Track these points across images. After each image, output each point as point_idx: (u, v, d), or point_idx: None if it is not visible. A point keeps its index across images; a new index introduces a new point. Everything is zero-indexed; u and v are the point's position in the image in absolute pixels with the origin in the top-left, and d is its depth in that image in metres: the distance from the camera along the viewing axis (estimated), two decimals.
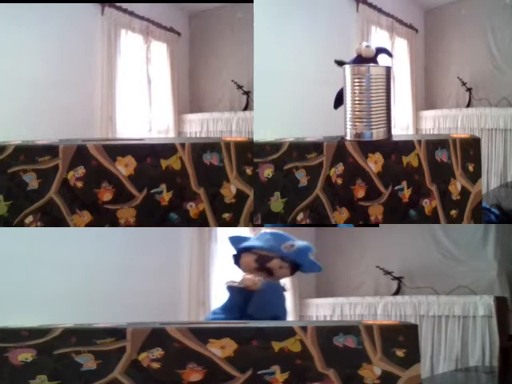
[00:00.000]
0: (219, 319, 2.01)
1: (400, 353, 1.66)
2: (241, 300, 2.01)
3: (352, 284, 4.79)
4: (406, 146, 2.02)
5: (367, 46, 2.07)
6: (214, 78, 5.56)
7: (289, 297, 4.55)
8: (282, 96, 4.00)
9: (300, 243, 2.11)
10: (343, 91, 2.02)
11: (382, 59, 2.09)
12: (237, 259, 2.13)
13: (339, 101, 2.07)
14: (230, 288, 2.05)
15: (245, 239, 2.15)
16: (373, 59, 2.06)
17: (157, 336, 1.61)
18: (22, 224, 1.86)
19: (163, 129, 5.38)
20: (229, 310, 2.03)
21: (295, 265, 2.09)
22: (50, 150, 1.86)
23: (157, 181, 1.89)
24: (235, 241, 2.15)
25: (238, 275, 2.10)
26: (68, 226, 1.87)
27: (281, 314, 2.04)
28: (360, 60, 2.06)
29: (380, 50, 2.07)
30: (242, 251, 2.11)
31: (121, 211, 1.88)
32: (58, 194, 1.86)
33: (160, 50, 5.35)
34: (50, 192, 1.86)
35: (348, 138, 2.01)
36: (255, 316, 1.96)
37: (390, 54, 2.11)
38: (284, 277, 2.10)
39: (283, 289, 2.09)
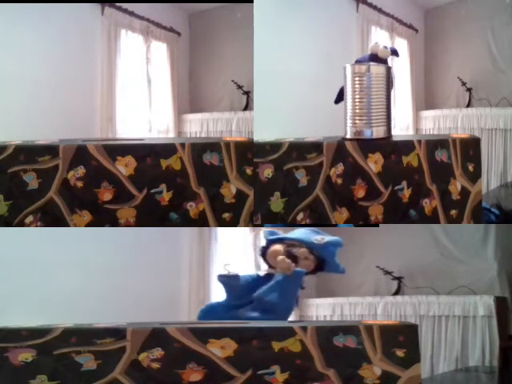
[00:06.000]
0: (222, 305, 2.01)
1: (400, 353, 1.66)
2: (238, 289, 1.99)
3: (352, 284, 4.78)
4: (406, 146, 2.02)
5: (385, 47, 2.10)
6: (213, 78, 5.55)
7: None
8: (281, 96, 4.00)
9: (331, 238, 2.10)
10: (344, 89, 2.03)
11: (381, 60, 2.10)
12: (264, 251, 2.11)
13: (341, 97, 2.08)
14: (222, 278, 2.02)
15: (278, 233, 2.15)
16: (386, 60, 2.09)
17: (157, 336, 1.61)
18: (22, 224, 1.86)
19: (163, 129, 5.38)
20: (230, 304, 2.02)
21: (320, 260, 2.08)
22: (50, 149, 1.86)
23: (157, 181, 1.89)
24: (269, 233, 2.14)
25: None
26: (68, 225, 1.87)
27: (290, 306, 2.03)
28: (374, 58, 2.08)
29: (393, 52, 2.11)
30: (272, 241, 2.10)
31: (121, 211, 1.88)
32: (58, 194, 1.86)
33: (160, 50, 5.35)
34: (50, 192, 1.86)
35: (348, 135, 2.01)
36: (266, 301, 1.94)
37: (397, 55, 2.14)
38: (306, 269, 2.07)
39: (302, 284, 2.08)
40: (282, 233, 2.17)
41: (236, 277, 2.01)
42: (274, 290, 1.96)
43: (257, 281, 2.01)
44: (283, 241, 2.08)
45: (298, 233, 2.12)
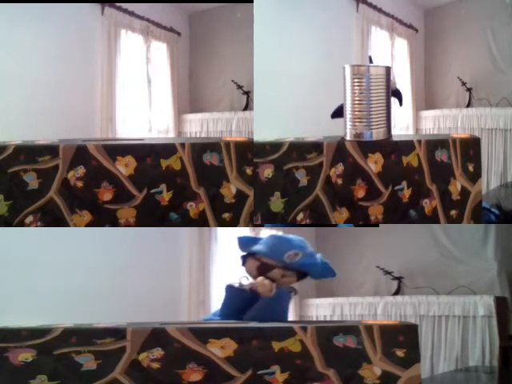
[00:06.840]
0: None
1: (400, 353, 1.66)
2: (240, 303, 1.96)
3: (352, 284, 4.79)
4: (406, 146, 2.02)
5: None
6: (213, 78, 5.56)
7: None
8: (281, 96, 4.00)
9: (306, 251, 2.00)
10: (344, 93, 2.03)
11: (381, 60, 2.09)
12: (244, 262, 2.07)
13: (337, 114, 2.07)
14: (230, 288, 2.01)
15: (253, 240, 2.07)
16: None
17: (157, 336, 1.61)
18: (22, 224, 1.86)
19: (163, 129, 5.38)
20: (225, 314, 1.98)
21: (301, 272, 2.02)
22: (50, 149, 1.86)
23: (157, 181, 1.89)
24: (242, 243, 2.08)
25: (237, 275, 2.07)
26: (68, 225, 1.87)
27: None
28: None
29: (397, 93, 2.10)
30: (247, 256, 2.05)
31: (121, 211, 1.88)
32: (58, 194, 1.86)
33: (160, 50, 5.35)
34: (50, 192, 1.86)
35: (348, 138, 2.01)
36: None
37: (400, 103, 2.13)
38: (289, 284, 2.02)
39: (292, 293, 2.03)
40: (260, 237, 2.09)
41: (243, 291, 1.96)
42: (261, 311, 1.91)
43: (251, 295, 1.97)
44: (255, 255, 2.01)
45: (271, 244, 2.02)
